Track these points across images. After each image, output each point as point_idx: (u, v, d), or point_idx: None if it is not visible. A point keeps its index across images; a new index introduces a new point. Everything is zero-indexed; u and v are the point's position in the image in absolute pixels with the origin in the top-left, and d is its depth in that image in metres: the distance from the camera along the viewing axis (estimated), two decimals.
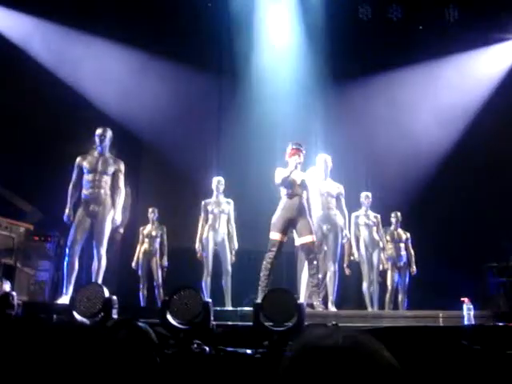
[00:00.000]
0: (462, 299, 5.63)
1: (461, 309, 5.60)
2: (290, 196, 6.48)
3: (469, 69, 10.59)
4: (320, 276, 6.63)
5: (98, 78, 9.51)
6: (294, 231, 6.54)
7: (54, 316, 4.41)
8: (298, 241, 6.52)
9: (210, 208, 7.70)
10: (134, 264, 8.63)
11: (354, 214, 8.25)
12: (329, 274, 6.97)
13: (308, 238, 6.39)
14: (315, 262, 6.39)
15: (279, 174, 6.51)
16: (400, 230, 8.82)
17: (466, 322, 5.44)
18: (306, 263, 6.54)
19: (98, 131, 6.70)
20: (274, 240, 6.41)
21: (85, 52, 9.62)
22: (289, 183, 6.45)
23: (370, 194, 8.48)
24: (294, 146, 6.59)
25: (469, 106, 10.41)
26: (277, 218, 6.48)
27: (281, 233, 6.40)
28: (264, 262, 6.40)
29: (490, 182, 9.80)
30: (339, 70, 10.63)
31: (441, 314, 6.24)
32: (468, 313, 5.46)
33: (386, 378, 0.83)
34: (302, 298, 6.51)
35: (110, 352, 1.09)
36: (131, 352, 1.14)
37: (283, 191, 6.55)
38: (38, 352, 1.09)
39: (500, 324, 5.15)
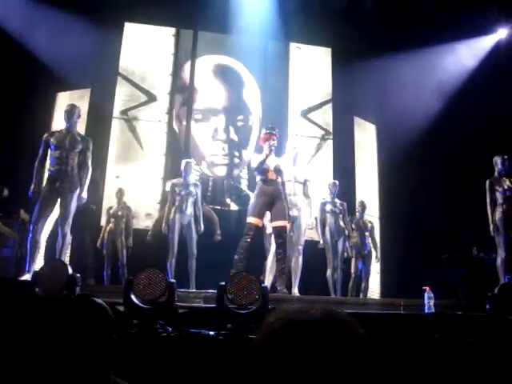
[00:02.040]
0: (424, 288, 5.73)
1: (422, 297, 5.69)
2: (265, 181, 6.56)
3: (440, 62, 10.66)
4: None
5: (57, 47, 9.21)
6: (269, 214, 6.62)
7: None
8: (271, 224, 6.63)
9: (177, 190, 7.67)
10: (99, 243, 8.56)
11: (320, 201, 8.33)
12: (293, 260, 7.02)
13: (280, 223, 6.48)
14: (283, 248, 6.45)
15: (255, 160, 6.61)
16: (365, 219, 8.92)
17: (426, 311, 5.53)
18: (274, 247, 6.61)
19: (66, 108, 6.64)
20: (250, 224, 6.48)
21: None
22: (263, 169, 6.51)
23: (337, 182, 8.54)
24: (267, 131, 6.69)
25: (437, 100, 10.48)
26: (253, 202, 6.60)
27: (256, 217, 6.47)
28: (239, 246, 6.46)
29: (455, 172, 9.92)
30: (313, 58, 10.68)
31: (402, 302, 6.34)
32: (428, 301, 5.55)
33: (364, 350, 0.84)
34: (266, 282, 6.56)
35: (65, 326, 1.09)
36: (87, 327, 1.14)
37: (258, 176, 6.61)
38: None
39: (459, 313, 5.25)
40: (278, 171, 6.59)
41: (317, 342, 0.82)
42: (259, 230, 6.63)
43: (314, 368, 0.80)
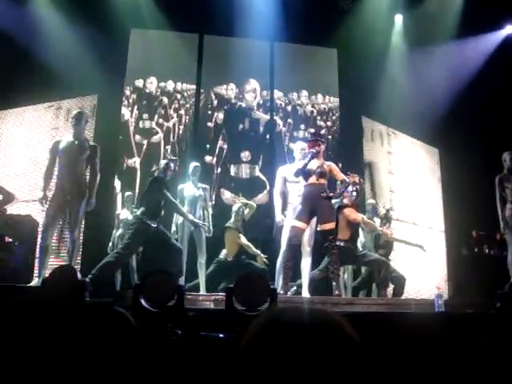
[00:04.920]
0: (437, 287, 5.72)
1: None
2: (307, 185, 6.59)
3: (450, 59, 10.54)
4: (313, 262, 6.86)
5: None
6: (316, 219, 6.67)
7: None
8: (319, 227, 6.65)
9: (185, 193, 7.65)
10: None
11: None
12: (303, 261, 6.99)
13: (328, 225, 6.50)
14: (333, 250, 6.51)
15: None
16: (376, 219, 8.87)
17: (436, 309, 5.51)
18: (308, 251, 6.76)
19: (74, 114, 6.70)
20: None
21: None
22: (304, 173, 6.56)
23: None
24: (311, 138, 6.84)
25: (447, 96, 10.38)
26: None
27: (303, 222, 6.50)
28: (287, 250, 6.58)
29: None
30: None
31: (413, 302, 6.32)
32: (438, 300, 5.53)
33: (350, 351, 0.83)
34: (306, 287, 6.67)
35: (88, 336, 1.09)
36: (111, 337, 1.14)
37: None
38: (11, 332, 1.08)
39: (469, 311, 5.23)
40: (320, 174, 6.61)
41: (297, 344, 0.81)
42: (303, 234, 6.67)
43: (294, 370, 0.79)
